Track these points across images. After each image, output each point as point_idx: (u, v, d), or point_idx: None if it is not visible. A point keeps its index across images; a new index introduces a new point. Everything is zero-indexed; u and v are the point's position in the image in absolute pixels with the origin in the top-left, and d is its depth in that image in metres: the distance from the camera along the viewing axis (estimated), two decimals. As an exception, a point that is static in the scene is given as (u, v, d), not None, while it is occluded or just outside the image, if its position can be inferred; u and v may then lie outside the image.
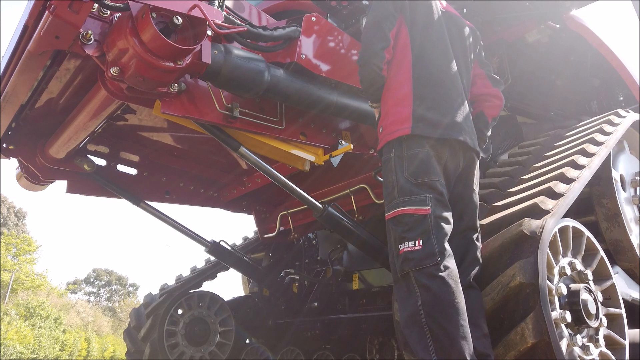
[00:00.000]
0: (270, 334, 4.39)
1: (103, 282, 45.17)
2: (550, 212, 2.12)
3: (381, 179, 2.12)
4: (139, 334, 4.00)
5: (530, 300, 1.82)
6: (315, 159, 2.69)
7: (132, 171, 3.36)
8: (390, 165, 1.93)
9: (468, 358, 1.61)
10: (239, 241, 5.28)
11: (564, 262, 2.15)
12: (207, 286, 4.38)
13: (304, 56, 2.36)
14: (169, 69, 1.84)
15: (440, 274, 1.70)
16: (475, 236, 2.05)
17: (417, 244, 1.75)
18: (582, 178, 2.47)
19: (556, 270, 2.08)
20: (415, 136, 1.89)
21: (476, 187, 2.10)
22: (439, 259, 1.72)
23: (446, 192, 1.91)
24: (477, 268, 1.98)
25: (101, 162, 3.15)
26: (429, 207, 1.80)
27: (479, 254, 2.02)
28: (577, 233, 2.30)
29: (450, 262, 1.76)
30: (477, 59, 2.34)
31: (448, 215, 1.87)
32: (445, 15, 2.19)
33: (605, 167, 2.88)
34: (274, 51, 2.38)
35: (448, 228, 1.84)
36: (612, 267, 2.47)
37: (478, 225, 2.09)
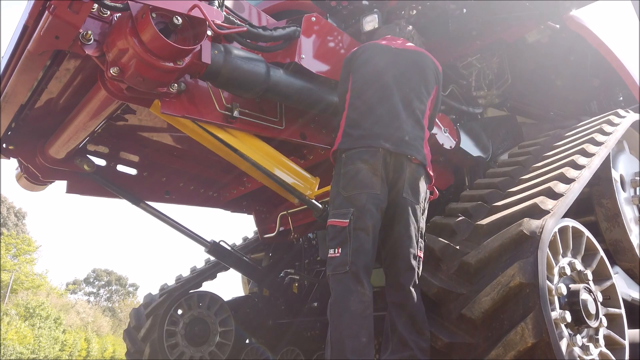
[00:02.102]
0: (270, 334, 4.38)
1: (103, 283, 45.12)
2: (550, 212, 2.12)
3: None
4: (139, 334, 4.00)
5: (530, 300, 1.82)
6: (309, 193, 2.70)
7: (132, 171, 3.36)
8: (333, 182, 2.21)
9: (348, 355, 1.82)
10: (239, 241, 5.28)
11: (563, 262, 2.15)
12: (207, 286, 4.37)
13: (303, 56, 2.36)
14: (169, 69, 1.84)
15: (346, 280, 1.94)
16: (411, 242, 2.10)
17: (336, 252, 2.01)
18: (582, 178, 2.47)
19: (556, 270, 2.08)
20: (350, 155, 2.14)
21: (406, 194, 2.14)
22: (348, 268, 1.95)
23: (379, 202, 2.08)
24: (409, 273, 2.07)
25: (101, 162, 3.15)
26: (348, 221, 2.02)
27: (411, 260, 2.07)
28: (577, 233, 2.30)
29: (362, 272, 1.96)
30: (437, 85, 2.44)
31: (370, 226, 2.03)
32: (394, 52, 2.37)
33: (605, 167, 2.88)
34: (274, 51, 2.38)
35: (366, 239, 2.01)
36: (612, 267, 2.47)
37: (412, 232, 2.11)
